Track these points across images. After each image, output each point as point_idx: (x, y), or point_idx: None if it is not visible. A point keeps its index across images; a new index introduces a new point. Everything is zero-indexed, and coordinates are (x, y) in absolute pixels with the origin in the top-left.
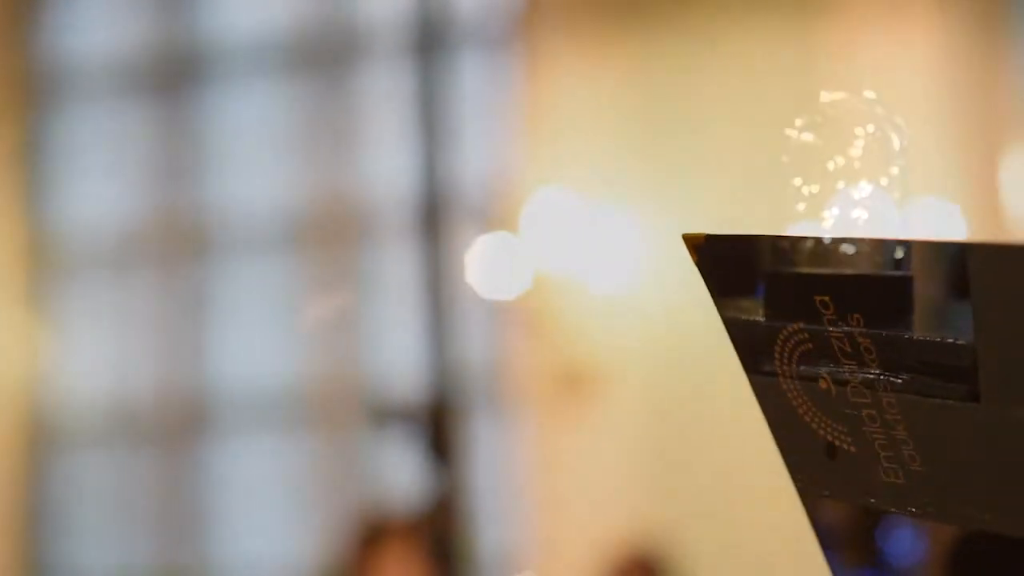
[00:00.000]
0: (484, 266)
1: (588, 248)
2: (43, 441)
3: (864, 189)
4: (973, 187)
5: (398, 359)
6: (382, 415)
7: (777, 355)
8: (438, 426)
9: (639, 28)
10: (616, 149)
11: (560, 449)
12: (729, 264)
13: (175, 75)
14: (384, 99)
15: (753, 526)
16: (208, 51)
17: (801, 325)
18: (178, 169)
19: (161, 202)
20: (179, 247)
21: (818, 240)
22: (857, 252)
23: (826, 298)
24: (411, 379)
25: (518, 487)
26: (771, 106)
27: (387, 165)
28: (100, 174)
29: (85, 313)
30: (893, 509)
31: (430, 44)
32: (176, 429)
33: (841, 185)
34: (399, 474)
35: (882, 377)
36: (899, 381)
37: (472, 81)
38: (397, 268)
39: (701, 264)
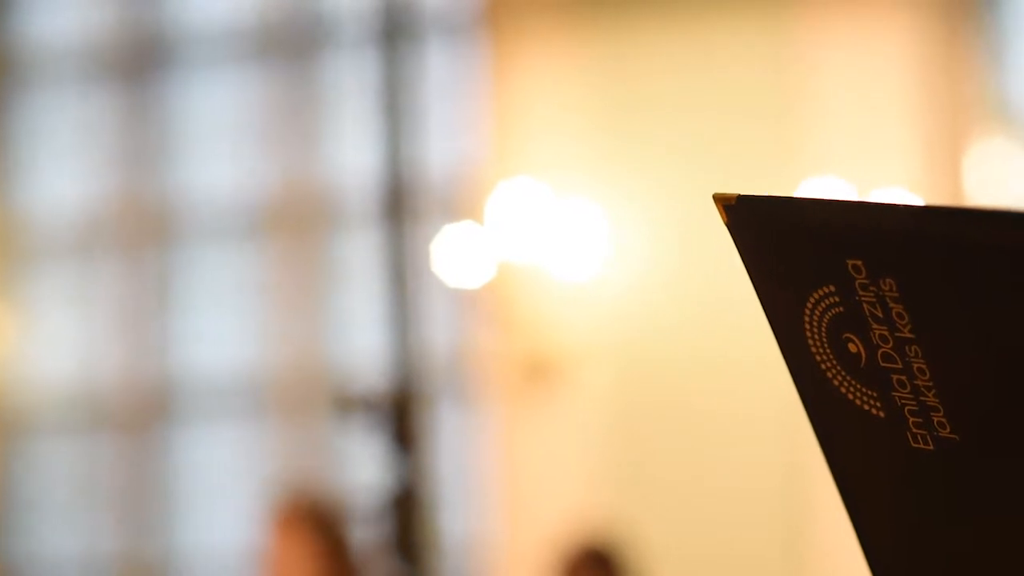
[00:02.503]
0: (449, 255)
1: (553, 237)
2: (6, 427)
3: (831, 180)
4: (936, 180)
5: (362, 347)
6: (346, 403)
7: (807, 318)
8: (401, 415)
9: (607, 17)
10: (582, 138)
11: (524, 438)
12: (759, 225)
13: (141, 61)
14: (349, 87)
15: (716, 517)
16: (174, 37)
17: (832, 288)
18: (143, 156)
19: (126, 189)
20: (144, 234)
21: (851, 203)
22: (891, 216)
23: (858, 262)
24: (375, 367)
25: (481, 476)
26: (740, 97)
27: (352, 153)
28: (65, 160)
29: (50, 299)
30: (921, 476)
31: (395, 33)
32: (141, 416)
33: (809, 177)
34: (362, 462)
35: (913, 342)
36: (930, 347)
37: (437, 70)
38: (362, 256)
39: (731, 225)
